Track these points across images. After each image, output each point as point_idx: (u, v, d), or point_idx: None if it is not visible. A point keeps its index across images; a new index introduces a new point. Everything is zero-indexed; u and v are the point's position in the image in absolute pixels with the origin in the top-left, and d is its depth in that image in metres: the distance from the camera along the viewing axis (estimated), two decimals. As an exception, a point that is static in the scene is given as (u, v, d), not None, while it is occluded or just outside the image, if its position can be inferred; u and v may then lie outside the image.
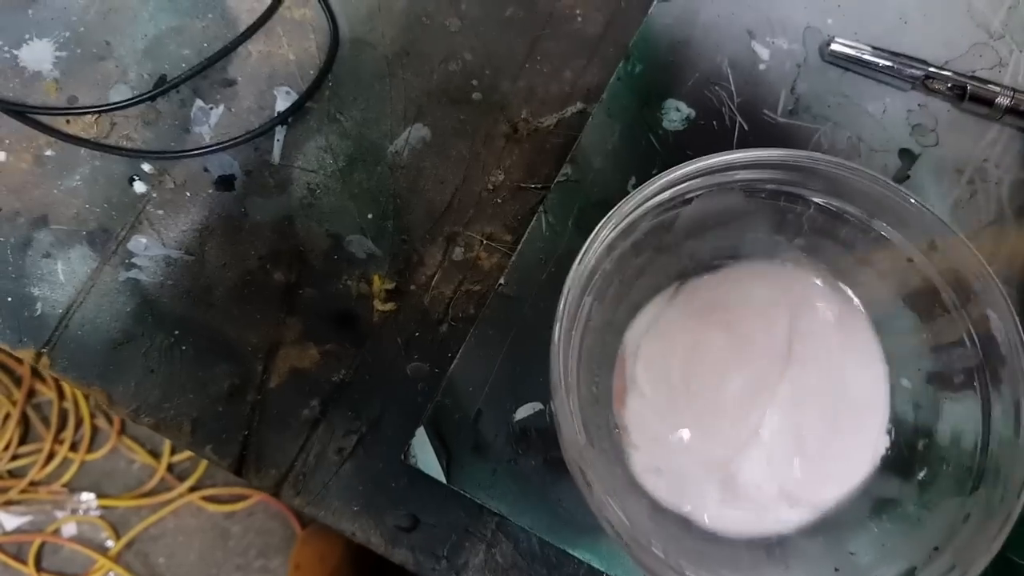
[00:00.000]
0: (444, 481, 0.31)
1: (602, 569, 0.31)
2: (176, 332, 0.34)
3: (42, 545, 0.97)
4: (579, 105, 0.35)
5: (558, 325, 0.25)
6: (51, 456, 0.96)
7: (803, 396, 0.28)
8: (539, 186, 0.34)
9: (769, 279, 0.30)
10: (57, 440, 0.97)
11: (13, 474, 0.97)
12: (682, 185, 0.27)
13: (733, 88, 0.33)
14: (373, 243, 0.34)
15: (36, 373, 0.97)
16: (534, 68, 0.35)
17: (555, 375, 0.25)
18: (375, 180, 0.35)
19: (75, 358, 0.34)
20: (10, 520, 0.97)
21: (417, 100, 0.35)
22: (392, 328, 0.34)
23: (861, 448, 0.28)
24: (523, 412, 0.32)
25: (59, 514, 0.97)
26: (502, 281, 0.33)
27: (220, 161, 0.35)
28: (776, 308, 0.29)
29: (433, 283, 0.34)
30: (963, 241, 0.26)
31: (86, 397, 0.97)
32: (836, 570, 0.26)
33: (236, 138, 0.35)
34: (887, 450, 0.28)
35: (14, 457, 0.96)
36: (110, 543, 0.97)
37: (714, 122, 0.33)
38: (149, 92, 0.35)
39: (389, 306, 0.34)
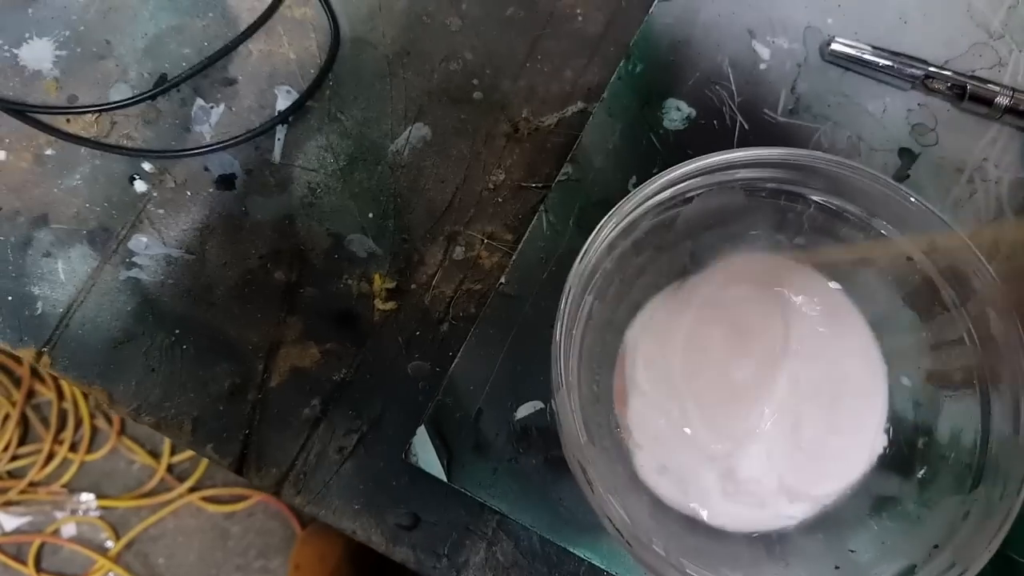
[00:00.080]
0: (445, 480, 0.31)
1: (603, 567, 0.31)
2: (177, 331, 0.34)
3: (42, 546, 0.97)
4: (580, 104, 0.35)
5: (559, 324, 0.25)
6: (51, 457, 0.96)
7: (801, 392, 0.28)
8: (540, 185, 0.34)
9: (768, 277, 0.30)
10: (57, 440, 0.96)
11: (13, 475, 0.97)
12: (683, 184, 0.27)
13: (734, 87, 0.34)
14: (374, 242, 0.34)
15: (35, 373, 0.97)
16: (535, 67, 0.35)
17: (556, 374, 0.25)
18: (376, 179, 0.35)
19: (76, 357, 0.34)
20: (10, 521, 0.97)
21: (418, 99, 0.35)
22: (393, 327, 0.34)
23: (859, 445, 0.28)
24: (524, 411, 0.32)
25: (59, 515, 0.97)
26: (503, 280, 0.33)
27: (221, 160, 0.35)
28: (774, 306, 0.29)
29: (434, 282, 0.34)
30: (963, 239, 0.26)
31: (85, 397, 0.97)
32: (836, 568, 0.26)
33: (237, 137, 0.35)
34: (885, 448, 0.29)
35: (14, 458, 0.96)
36: (110, 544, 0.97)
37: (715, 121, 0.33)
38: (149, 91, 0.35)
39: (390, 305, 0.34)
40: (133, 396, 0.34)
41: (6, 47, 0.36)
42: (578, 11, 0.35)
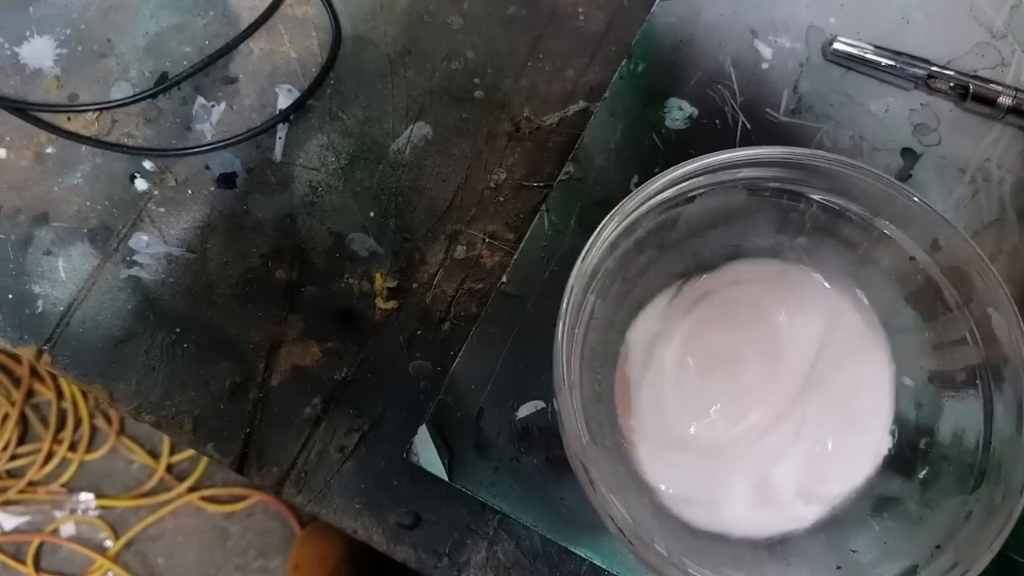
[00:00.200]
0: (446, 479, 0.31)
1: (604, 567, 0.31)
2: (177, 330, 0.34)
3: (41, 545, 0.97)
4: (581, 103, 0.35)
5: (561, 323, 0.25)
6: (50, 456, 0.96)
7: (808, 393, 0.28)
8: (541, 184, 0.34)
9: (772, 278, 0.30)
10: (56, 440, 0.96)
11: (12, 474, 0.97)
12: (685, 183, 0.27)
13: (736, 87, 0.33)
14: (375, 241, 0.34)
15: (35, 373, 0.97)
16: (536, 66, 0.35)
17: (558, 373, 0.25)
18: (377, 178, 0.35)
19: (76, 356, 0.34)
20: (9, 520, 0.97)
21: (419, 98, 0.35)
22: (394, 326, 0.34)
23: (865, 446, 0.28)
24: (525, 410, 0.32)
25: (58, 514, 0.97)
26: (504, 279, 0.33)
27: (222, 159, 0.35)
28: (780, 306, 0.29)
29: (435, 281, 0.34)
30: (966, 239, 0.26)
31: (85, 396, 0.96)
32: (838, 568, 0.26)
33: (238, 136, 0.35)
34: (889, 449, 0.28)
35: (13, 457, 0.96)
36: (109, 543, 0.97)
37: (716, 121, 0.33)
38: (150, 89, 0.35)
39: (391, 304, 0.34)
40: (134, 395, 0.34)
41: (7, 45, 0.36)
42: (580, 10, 0.35)
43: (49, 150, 0.36)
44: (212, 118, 0.35)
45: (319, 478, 0.33)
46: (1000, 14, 0.33)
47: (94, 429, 0.97)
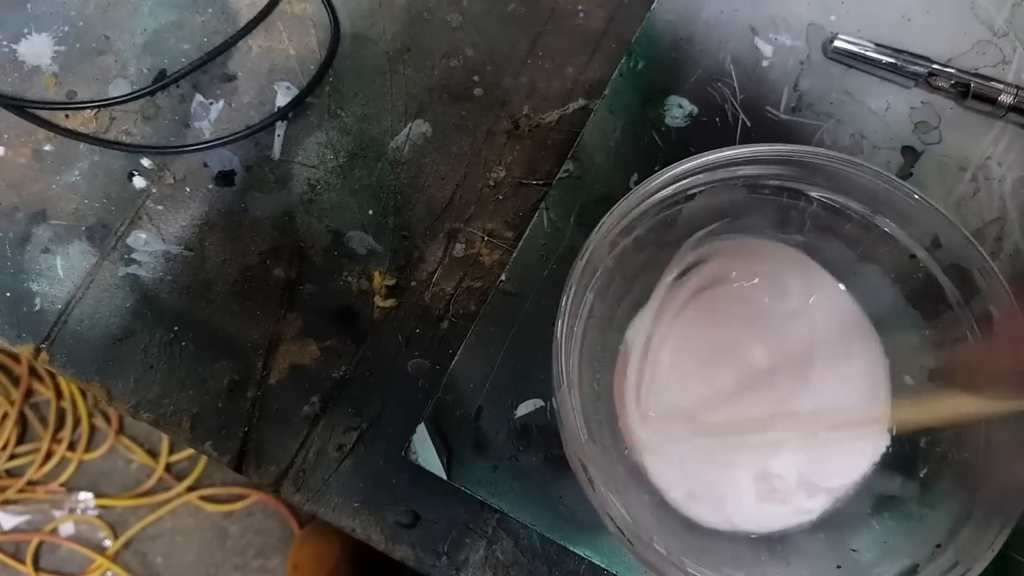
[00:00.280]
0: (445, 478, 0.31)
1: (603, 566, 0.31)
2: (176, 328, 0.34)
3: (40, 544, 0.97)
4: (581, 101, 0.35)
5: (560, 321, 0.25)
6: (49, 455, 0.96)
7: (803, 389, 0.28)
8: (540, 182, 0.34)
9: (772, 274, 0.30)
10: (55, 439, 0.96)
11: (11, 473, 0.97)
12: (685, 181, 0.27)
13: (736, 85, 0.33)
14: (374, 239, 0.34)
15: (34, 372, 0.97)
16: (536, 64, 0.35)
17: (557, 371, 0.24)
18: (376, 176, 0.35)
19: (74, 354, 0.34)
20: (8, 519, 0.97)
21: (418, 96, 0.35)
22: (393, 324, 0.34)
23: (862, 443, 0.28)
24: (524, 409, 0.32)
25: (57, 513, 0.97)
26: (503, 278, 0.33)
27: (220, 156, 0.35)
28: (777, 302, 0.29)
29: (434, 279, 0.34)
30: (967, 237, 0.26)
31: (83, 395, 0.96)
32: (838, 567, 0.26)
33: (236, 133, 0.35)
34: (888, 448, 0.28)
35: (12, 456, 0.96)
36: (108, 543, 0.97)
37: (716, 119, 0.33)
38: (149, 87, 0.35)
39: (390, 302, 0.34)
40: (132, 393, 0.34)
41: (4, 42, 0.36)
42: (579, 7, 0.35)
43: (47, 147, 0.35)
44: (210, 116, 0.35)
45: (317, 477, 0.33)
46: (1001, 12, 0.33)
47: (93, 428, 0.97)
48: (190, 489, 0.96)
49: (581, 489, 0.24)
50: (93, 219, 0.35)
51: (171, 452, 0.96)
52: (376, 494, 0.33)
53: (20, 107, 0.35)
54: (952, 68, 0.32)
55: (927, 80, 0.32)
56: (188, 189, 0.35)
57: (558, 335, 0.25)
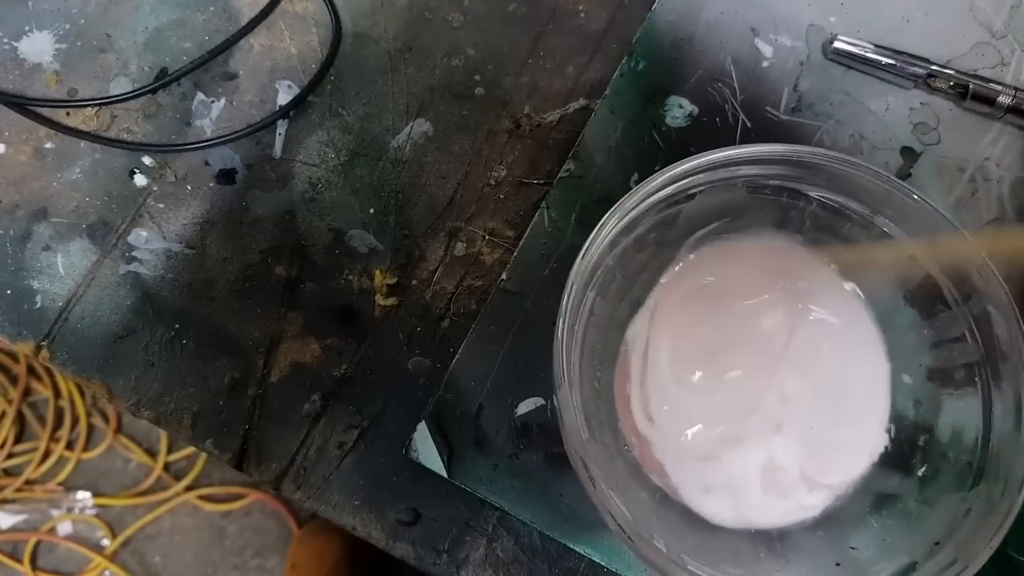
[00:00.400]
0: (445, 476, 0.31)
1: (603, 564, 0.31)
2: (177, 326, 0.34)
3: (38, 544, 0.96)
4: (582, 101, 0.35)
5: (561, 320, 0.25)
6: (47, 454, 0.96)
7: (802, 387, 0.28)
8: (541, 182, 0.34)
9: (773, 271, 0.30)
10: (53, 438, 0.96)
11: (9, 472, 0.97)
12: (685, 180, 0.27)
13: (736, 85, 0.34)
14: (375, 238, 0.34)
15: (32, 371, 0.97)
16: (537, 64, 0.35)
17: (558, 370, 0.25)
18: (377, 175, 0.35)
19: (75, 351, 0.34)
20: (6, 519, 0.97)
21: (419, 95, 0.35)
22: (393, 323, 0.34)
23: (860, 441, 0.28)
24: (524, 407, 0.32)
25: (55, 513, 0.97)
26: (504, 277, 0.33)
27: (221, 155, 0.35)
28: (778, 299, 0.29)
29: (435, 278, 0.34)
30: (965, 237, 0.26)
31: (82, 394, 0.96)
32: (837, 564, 0.26)
33: (237, 132, 0.35)
34: (886, 447, 0.28)
35: (10, 455, 0.96)
36: (106, 542, 0.96)
37: (717, 119, 0.33)
38: (150, 85, 0.35)
39: (391, 301, 0.34)
40: (132, 391, 0.34)
41: (6, 40, 0.36)
42: (580, 8, 0.35)
43: (48, 145, 0.36)
44: (212, 114, 0.35)
45: (318, 475, 0.33)
46: (1000, 14, 0.33)
47: (91, 427, 0.97)
48: (188, 488, 0.95)
49: (581, 487, 0.24)
50: (94, 217, 0.35)
51: (170, 451, 0.96)
52: (377, 492, 0.33)
53: (21, 105, 0.35)
54: (951, 69, 0.32)
55: (926, 81, 0.32)
56: (189, 187, 0.35)
57: (559, 334, 0.25)
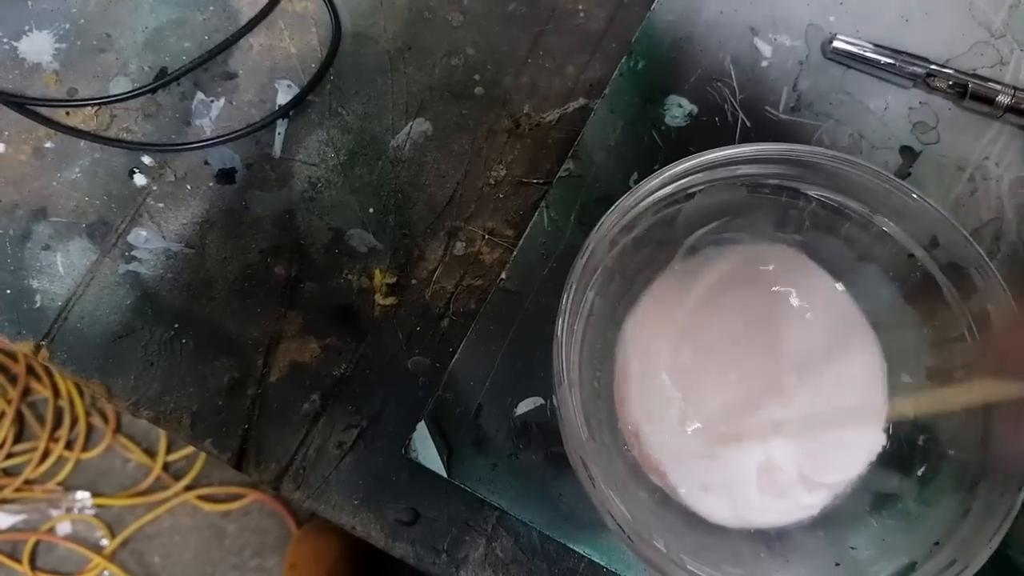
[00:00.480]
0: (445, 475, 0.31)
1: (602, 563, 0.31)
2: (176, 325, 0.34)
3: (37, 544, 0.96)
4: (581, 100, 0.35)
5: (561, 320, 0.25)
6: (46, 454, 0.96)
7: (800, 386, 0.28)
8: (541, 181, 0.34)
9: (769, 271, 0.30)
10: (52, 438, 0.96)
11: (8, 472, 0.97)
12: (684, 180, 0.27)
13: (735, 85, 0.34)
14: (374, 237, 0.34)
15: (31, 371, 0.97)
16: (536, 63, 0.35)
17: (557, 369, 0.25)
18: (376, 174, 0.35)
19: (74, 351, 0.34)
20: (5, 518, 0.97)
21: (419, 94, 0.35)
22: (393, 322, 0.34)
23: (857, 441, 0.28)
24: (524, 407, 0.32)
25: (54, 512, 0.97)
26: (503, 276, 0.33)
27: (221, 154, 0.35)
28: (774, 299, 0.29)
29: (434, 278, 0.34)
30: (965, 236, 0.26)
31: (81, 394, 0.96)
32: (836, 564, 0.26)
33: (237, 131, 0.35)
34: (884, 447, 0.28)
35: (9, 455, 0.96)
36: (105, 542, 0.96)
37: (716, 119, 0.33)
38: (150, 84, 0.35)
39: (390, 300, 0.34)
40: (132, 390, 0.34)
41: (5, 40, 0.36)
42: (580, 7, 0.35)
43: (48, 145, 0.35)
44: (211, 113, 0.35)
45: (317, 474, 0.33)
46: (999, 13, 0.33)
47: (90, 427, 0.97)
48: (188, 488, 0.95)
49: (581, 487, 0.24)
50: (94, 216, 0.35)
51: (169, 451, 0.96)
52: (376, 492, 0.33)
53: (21, 104, 0.35)
54: (950, 69, 0.32)
55: (925, 80, 0.32)
56: (189, 187, 0.35)
57: (558, 333, 0.25)
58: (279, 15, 0.36)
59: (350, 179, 0.35)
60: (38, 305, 0.34)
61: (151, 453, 0.97)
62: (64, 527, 0.97)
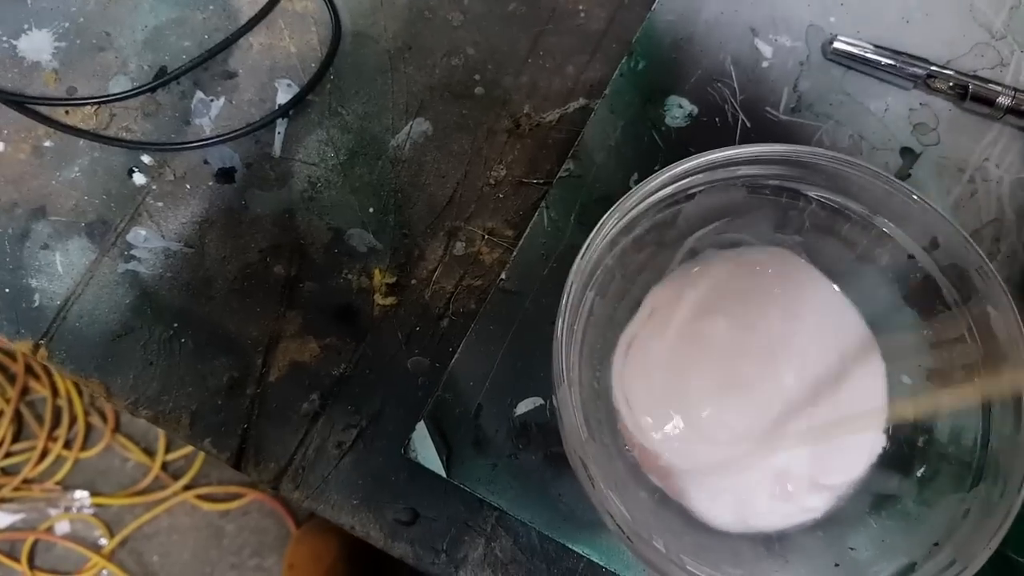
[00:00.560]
0: (444, 475, 0.31)
1: (601, 564, 0.31)
2: (175, 325, 0.34)
3: (35, 543, 0.96)
4: (581, 101, 0.35)
5: (560, 320, 0.25)
6: (45, 454, 0.96)
7: (800, 387, 0.28)
8: (541, 181, 0.34)
9: (768, 274, 0.30)
10: (51, 437, 0.96)
11: (6, 472, 0.97)
12: (684, 180, 0.27)
13: (736, 85, 0.34)
14: (374, 237, 0.34)
15: (30, 370, 0.96)
16: (537, 63, 0.35)
17: (557, 370, 0.24)
18: (376, 174, 0.35)
19: (73, 350, 0.34)
20: (3, 518, 0.96)
21: (419, 94, 0.35)
22: (393, 322, 0.34)
23: (859, 442, 0.28)
24: (524, 407, 0.32)
25: (52, 512, 0.97)
26: (503, 276, 0.33)
27: (220, 153, 0.35)
28: (774, 302, 0.29)
29: (434, 278, 0.34)
30: (965, 237, 0.26)
31: (80, 393, 0.96)
32: (836, 565, 0.26)
33: (237, 130, 0.35)
34: (884, 448, 0.28)
35: (7, 454, 0.96)
36: (103, 541, 0.96)
37: (716, 119, 0.33)
38: (149, 83, 0.35)
39: (390, 300, 0.34)
40: (131, 389, 0.34)
41: (5, 38, 0.36)
42: (580, 7, 0.35)
43: (47, 143, 0.35)
44: (211, 113, 0.35)
45: (317, 474, 0.33)
46: (999, 15, 0.33)
47: (89, 427, 0.97)
48: (186, 488, 0.95)
49: (580, 487, 0.24)
50: (93, 215, 0.35)
51: (167, 450, 0.96)
52: (375, 492, 0.33)
53: (20, 103, 0.35)
54: (950, 70, 0.32)
55: (926, 82, 0.32)
56: (188, 186, 0.35)
57: (558, 333, 0.25)
58: (279, 14, 0.36)
59: (350, 179, 0.35)
60: (37, 304, 0.34)
61: (150, 452, 0.97)
62: (63, 526, 0.97)
